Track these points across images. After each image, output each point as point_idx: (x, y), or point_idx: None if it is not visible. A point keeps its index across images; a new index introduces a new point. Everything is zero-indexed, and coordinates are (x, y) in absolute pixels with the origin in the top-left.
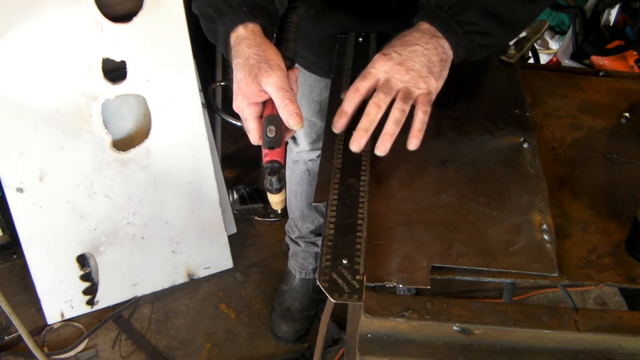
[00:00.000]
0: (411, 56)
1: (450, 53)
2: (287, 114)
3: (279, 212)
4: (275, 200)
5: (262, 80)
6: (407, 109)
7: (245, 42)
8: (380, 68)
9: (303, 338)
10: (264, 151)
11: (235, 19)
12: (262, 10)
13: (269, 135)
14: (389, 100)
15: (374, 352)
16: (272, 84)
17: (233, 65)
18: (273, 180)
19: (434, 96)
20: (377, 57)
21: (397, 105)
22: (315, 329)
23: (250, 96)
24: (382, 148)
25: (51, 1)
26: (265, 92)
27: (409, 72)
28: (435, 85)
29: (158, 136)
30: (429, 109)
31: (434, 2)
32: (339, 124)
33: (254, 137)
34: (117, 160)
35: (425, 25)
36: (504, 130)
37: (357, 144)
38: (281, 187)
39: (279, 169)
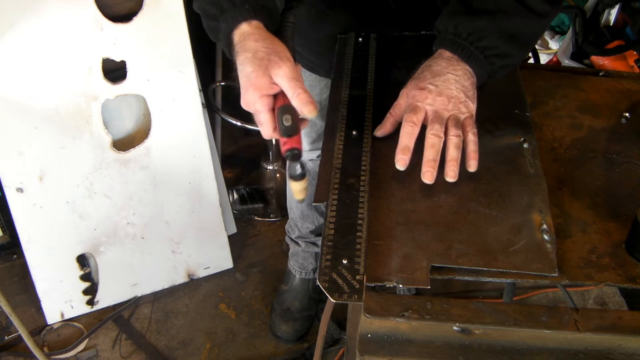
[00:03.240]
0: (446, 85)
1: (475, 76)
2: (300, 103)
3: (301, 201)
4: (298, 189)
5: (272, 72)
6: (461, 132)
7: (252, 36)
8: (424, 101)
9: (303, 338)
10: (282, 140)
11: (238, 17)
12: (263, 7)
13: (286, 124)
14: (444, 129)
15: (374, 352)
16: (283, 75)
17: (238, 61)
18: (296, 166)
19: (474, 117)
20: (414, 92)
21: (452, 132)
22: (315, 329)
23: (262, 88)
24: (452, 174)
25: (51, 1)
26: (276, 85)
27: (450, 100)
28: (473, 107)
29: (158, 136)
30: (476, 130)
31: (452, 30)
32: (404, 160)
33: (268, 130)
34: (117, 160)
35: (447, 54)
36: (504, 130)
37: (430, 175)
38: (304, 173)
39: (299, 155)
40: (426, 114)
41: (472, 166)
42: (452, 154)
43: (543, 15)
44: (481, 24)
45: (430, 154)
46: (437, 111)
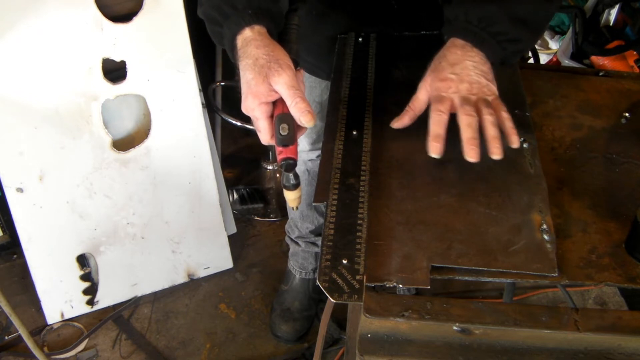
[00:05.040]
0: (466, 72)
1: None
2: (299, 112)
3: (295, 209)
4: (291, 197)
5: (272, 79)
6: (493, 111)
7: (253, 43)
8: (448, 91)
9: (303, 338)
10: (278, 149)
11: (241, 22)
12: (266, 12)
13: (282, 133)
14: (474, 108)
15: (374, 352)
16: (283, 83)
17: (240, 67)
18: (290, 176)
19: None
20: (436, 84)
21: (485, 111)
22: (315, 329)
23: (261, 96)
24: (497, 151)
25: (51, 1)
26: (276, 92)
27: (473, 86)
28: (495, 89)
29: (158, 136)
30: (506, 108)
31: (462, 17)
32: (438, 147)
33: (266, 137)
34: (117, 160)
35: (460, 41)
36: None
37: (474, 153)
38: (297, 183)
39: (294, 166)
40: (452, 102)
41: (515, 142)
42: (492, 132)
43: (550, 0)
44: (491, 9)
45: (469, 133)
46: (463, 97)
